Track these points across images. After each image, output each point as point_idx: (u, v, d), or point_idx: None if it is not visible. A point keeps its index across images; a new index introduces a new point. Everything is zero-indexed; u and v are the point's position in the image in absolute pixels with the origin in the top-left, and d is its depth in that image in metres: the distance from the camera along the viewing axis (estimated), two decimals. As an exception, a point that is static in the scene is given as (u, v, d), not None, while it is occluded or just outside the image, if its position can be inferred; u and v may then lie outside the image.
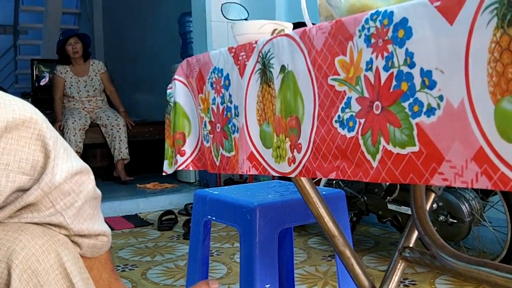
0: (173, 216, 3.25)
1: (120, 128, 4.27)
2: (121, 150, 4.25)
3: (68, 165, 0.65)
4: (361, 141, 0.68)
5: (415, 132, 0.60)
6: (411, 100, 0.61)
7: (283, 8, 3.48)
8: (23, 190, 0.62)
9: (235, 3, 1.53)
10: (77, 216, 0.68)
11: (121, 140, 4.26)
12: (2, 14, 8.03)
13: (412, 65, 0.61)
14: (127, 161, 4.31)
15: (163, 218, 3.20)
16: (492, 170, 0.51)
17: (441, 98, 0.57)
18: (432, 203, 1.24)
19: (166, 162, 1.25)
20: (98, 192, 0.73)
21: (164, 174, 1.27)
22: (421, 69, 0.60)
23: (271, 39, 0.90)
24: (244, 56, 0.97)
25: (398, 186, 2.31)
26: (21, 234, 0.63)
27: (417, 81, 0.60)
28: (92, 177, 0.70)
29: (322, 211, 1.16)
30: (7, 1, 7.93)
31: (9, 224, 0.64)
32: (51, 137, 0.62)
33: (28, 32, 8.19)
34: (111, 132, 4.27)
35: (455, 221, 2.09)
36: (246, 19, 1.37)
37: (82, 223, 0.69)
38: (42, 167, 0.62)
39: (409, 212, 2.31)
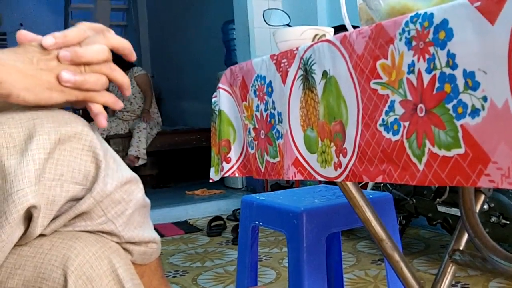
0: (222, 222, 3.29)
1: (140, 130, 4.35)
2: (138, 148, 4.31)
3: (118, 174, 0.67)
4: (406, 144, 0.68)
5: (460, 134, 0.60)
6: (454, 101, 0.61)
7: (325, 12, 3.47)
8: (76, 200, 0.64)
9: (277, 9, 1.54)
10: (127, 224, 0.70)
11: (139, 140, 4.33)
12: (52, 29, 8.24)
13: (454, 66, 0.61)
14: (142, 162, 4.34)
15: (212, 224, 3.24)
16: (537, 171, 0.50)
17: (485, 99, 0.57)
18: (483, 205, 1.22)
19: (212, 169, 1.27)
20: (147, 200, 0.75)
21: (211, 181, 1.29)
22: (464, 70, 0.60)
23: (312, 45, 0.91)
24: (286, 63, 0.98)
25: (448, 188, 2.26)
26: (75, 242, 0.65)
27: (460, 82, 0.60)
28: (141, 186, 0.72)
29: (369, 215, 1.16)
30: (58, 16, 8.20)
31: (64, 232, 0.67)
32: (101, 148, 0.65)
33: (78, 46, 8.42)
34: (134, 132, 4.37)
35: (508, 222, 2.03)
36: (288, 25, 1.38)
37: (132, 231, 0.71)
38: (93, 177, 0.64)
39: (460, 214, 2.26)
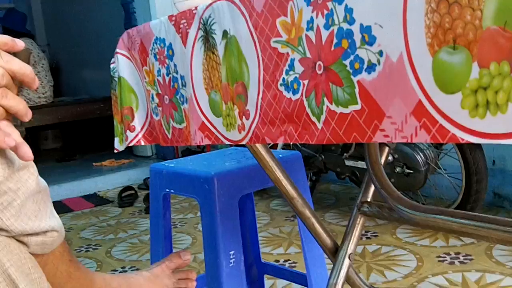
0: (133, 192, 3.22)
1: None
2: None
3: (3, 167, 0.60)
4: (305, 103, 0.68)
5: (356, 90, 0.60)
6: (352, 57, 0.60)
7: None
8: None
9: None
10: (19, 216, 0.63)
11: None
12: None
13: (351, 21, 0.60)
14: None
15: (123, 195, 3.17)
16: (430, 123, 0.51)
17: (380, 53, 0.57)
18: (387, 157, 1.26)
19: (117, 140, 1.22)
20: (43, 184, 0.68)
21: (116, 151, 1.24)
22: (361, 25, 0.59)
23: (211, 4, 0.87)
24: (186, 24, 0.94)
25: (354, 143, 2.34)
26: None
27: (357, 37, 0.60)
28: (33, 170, 0.65)
29: (279, 174, 1.17)
30: None
31: None
32: None
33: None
34: None
35: (411, 171, 2.14)
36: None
37: (25, 222, 0.64)
38: None
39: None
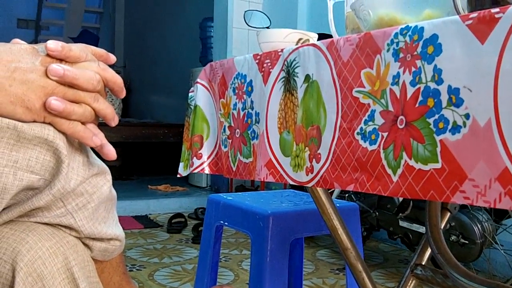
0: (183, 220, 3.26)
1: None
2: None
3: (84, 168, 0.63)
4: (382, 155, 0.68)
5: (438, 149, 0.60)
6: (436, 116, 0.61)
7: (305, 18, 3.49)
8: (33, 189, 0.59)
9: (258, 11, 1.54)
10: (90, 219, 0.65)
11: None
12: (25, 8, 8.14)
13: (439, 81, 0.61)
14: None
15: (173, 221, 3.21)
16: (518, 191, 0.51)
17: (467, 116, 0.57)
18: (447, 222, 1.24)
19: (181, 164, 1.25)
20: (114, 193, 0.71)
21: (178, 176, 1.27)
22: (449, 86, 0.60)
23: (297, 48, 0.90)
24: (269, 64, 0.97)
25: (411, 203, 2.29)
26: (28, 235, 0.61)
27: (444, 98, 0.60)
28: (109, 177, 0.68)
29: (336, 223, 1.16)
30: (32, -4, 8.03)
31: (17, 223, 0.62)
32: (65, 142, 0.60)
33: (50, 28, 8.29)
34: None
35: (467, 242, 2.07)
36: (268, 27, 1.38)
37: (95, 226, 0.66)
38: (53, 168, 0.59)
39: (421, 230, 2.29)
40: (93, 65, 0.62)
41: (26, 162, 0.57)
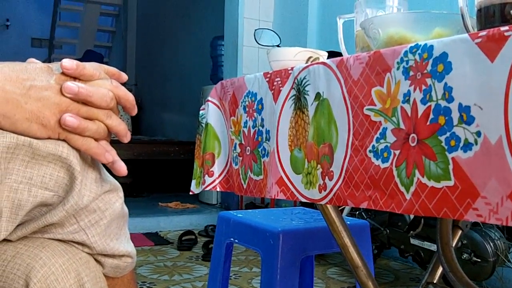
0: (193, 237, 3.25)
1: None
2: None
3: (97, 185, 0.64)
4: (395, 172, 0.68)
5: (450, 167, 0.60)
6: (448, 134, 0.61)
7: (315, 36, 3.51)
8: (46, 205, 0.60)
9: (268, 29, 1.55)
10: (103, 235, 0.66)
11: None
12: (39, 28, 8.28)
13: (450, 99, 0.62)
14: None
15: (183, 238, 3.20)
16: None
17: (478, 134, 0.57)
18: (458, 240, 1.23)
19: (194, 182, 1.26)
20: (126, 210, 0.71)
21: (191, 193, 1.28)
22: (460, 104, 0.60)
23: (307, 67, 0.91)
24: (279, 82, 0.98)
25: (422, 221, 2.28)
26: (41, 251, 0.61)
27: (455, 115, 0.61)
28: (121, 194, 0.69)
29: (347, 240, 1.16)
30: (46, 16, 8.17)
31: (31, 239, 0.63)
32: (79, 159, 0.61)
33: (63, 47, 8.42)
34: None
35: (479, 260, 2.05)
36: (278, 46, 1.39)
37: (107, 243, 0.67)
38: (67, 185, 0.60)
39: (432, 248, 2.27)
40: (106, 83, 0.63)
41: (40, 178, 0.58)
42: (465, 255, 2.09)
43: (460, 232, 1.22)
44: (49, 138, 0.59)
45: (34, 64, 0.60)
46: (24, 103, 0.56)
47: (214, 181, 1.22)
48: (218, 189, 1.21)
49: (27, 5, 8.34)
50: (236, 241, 1.45)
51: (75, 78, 0.61)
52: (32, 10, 8.34)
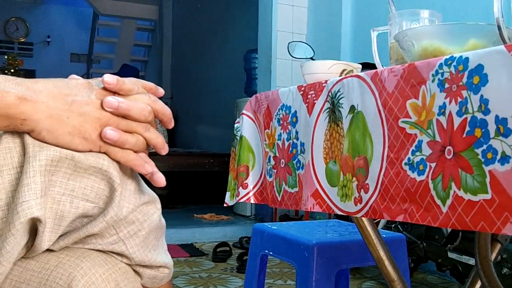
0: (228, 248, 3.26)
1: None
2: None
3: (135, 197, 0.65)
4: (431, 185, 0.68)
5: (487, 180, 0.60)
6: (484, 147, 0.61)
7: (348, 48, 3.51)
8: (87, 217, 0.62)
9: (301, 42, 1.56)
10: (142, 246, 0.67)
11: None
12: (78, 43, 8.52)
13: (486, 111, 0.61)
14: None
15: (218, 250, 3.22)
16: None
17: (516, 146, 0.57)
18: (497, 254, 1.20)
19: (228, 194, 1.27)
20: (163, 222, 0.72)
21: (225, 205, 1.29)
22: (496, 117, 0.60)
23: (341, 80, 0.91)
24: (313, 95, 0.99)
25: (460, 234, 2.23)
26: (82, 261, 0.63)
27: (492, 128, 0.60)
28: (159, 206, 0.70)
29: (382, 254, 1.15)
30: (84, 32, 8.40)
31: (72, 249, 0.65)
32: (119, 171, 0.63)
33: (101, 61, 8.63)
34: None
35: (520, 275, 1.99)
36: (312, 58, 1.40)
37: (145, 254, 0.68)
38: (107, 197, 0.62)
39: (471, 262, 2.22)
40: (144, 97, 0.65)
41: (82, 190, 0.60)
42: (504, 270, 2.03)
43: (499, 246, 1.19)
44: (90, 151, 0.61)
45: (75, 80, 0.63)
46: (66, 117, 0.59)
47: (248, 193, 1.23)
48: (252, 201, 1.22)
49: (66, 22, 8.58)
50: (271, 253, 1.45)
51: (114, 93, 0.63)
52: (71, 27, 8.58)
